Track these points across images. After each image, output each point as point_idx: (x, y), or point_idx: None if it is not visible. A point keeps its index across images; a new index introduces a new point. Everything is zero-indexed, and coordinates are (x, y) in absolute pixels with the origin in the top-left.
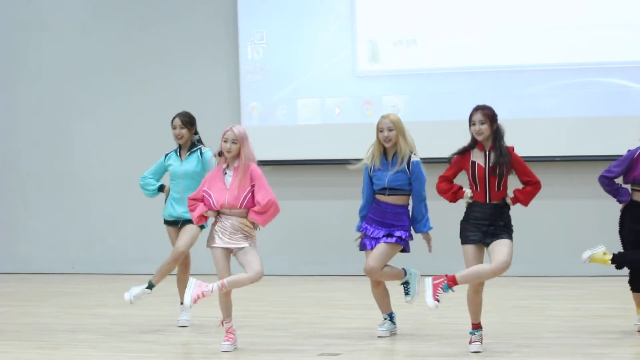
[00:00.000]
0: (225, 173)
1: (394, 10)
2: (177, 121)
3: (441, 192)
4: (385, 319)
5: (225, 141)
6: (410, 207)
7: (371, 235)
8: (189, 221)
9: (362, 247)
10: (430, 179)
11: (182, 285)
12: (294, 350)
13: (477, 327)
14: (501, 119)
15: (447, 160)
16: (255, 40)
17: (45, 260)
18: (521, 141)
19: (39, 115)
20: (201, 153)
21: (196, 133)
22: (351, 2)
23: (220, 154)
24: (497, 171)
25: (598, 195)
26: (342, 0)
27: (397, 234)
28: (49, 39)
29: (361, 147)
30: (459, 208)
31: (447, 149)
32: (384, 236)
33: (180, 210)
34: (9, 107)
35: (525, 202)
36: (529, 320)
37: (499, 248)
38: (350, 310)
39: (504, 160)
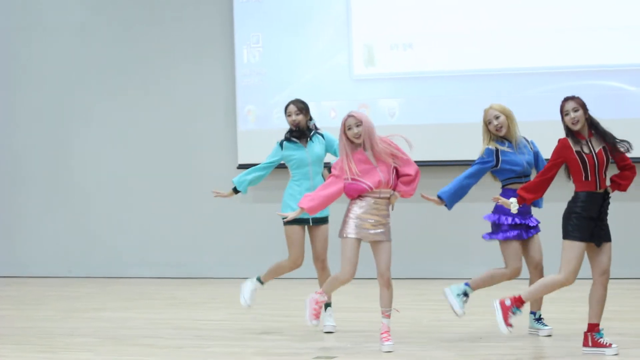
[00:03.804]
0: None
1: (389, 14)
2: (292, 107)
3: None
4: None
5: (349, 129)
6: None
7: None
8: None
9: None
10: (428, 182)
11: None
12: (290, 354)
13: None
14: None
15: (443, 164)
16: (251, 43)
17: (43, 263)
18: None
19: (36, 118)
20: (323, 136)
21: (311, 119)
22: (347, 6)
23: (329, 169)
24: (605, 155)
25: None
26: (338, 4)
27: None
28: (46, 40)
29: None
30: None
31: (444, 152)
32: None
33: None
34: (6, 109)
35: (625, 187)
36: (524, 322)
37: (602, 256)
38: (347, 314)
39: (610, 139)
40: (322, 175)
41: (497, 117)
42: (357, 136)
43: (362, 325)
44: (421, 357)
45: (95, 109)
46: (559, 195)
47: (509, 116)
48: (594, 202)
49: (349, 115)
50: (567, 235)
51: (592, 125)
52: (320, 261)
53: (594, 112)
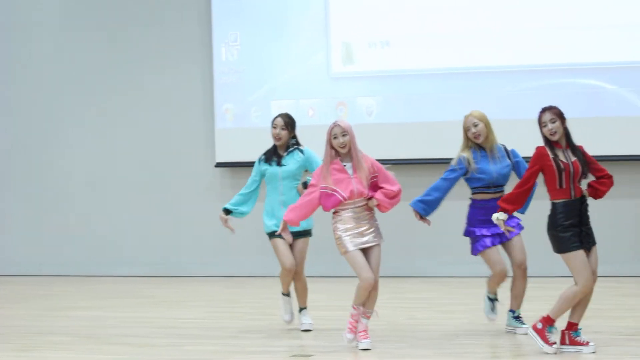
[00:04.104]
0: (345, 165)
1: (367, 13)
2: (280, 121)
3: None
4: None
5: (335, 138)
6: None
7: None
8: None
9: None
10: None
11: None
12: (268, 352)
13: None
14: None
15: (420, 162)
16: (229, 42)
17: (17, 262)
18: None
19: (13, 117)
20: (303, 152)
21: (294, 136)
22: (325, 4)
23: (305, 185)
24: (581, 166)
25: None
26: (316, 3)
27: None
28: (26, 41)
29: None
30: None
31: (421, 150)
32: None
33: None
34: None
35: (602, 194)
36: (504, 320)
37: (590, 258)
38: (323, 312)
39: (580, 155)
40: (298, 190)
41: (475, 125)
42: (342, 145)
43: (339, 323)
44: (398, 355)
45: (73, 108)
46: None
47: (487, 124)
48: (572, 209)
49: (335, 125)
50: (562, 249)
51: (569, 136)
52: (295, 273)
53: (571, 111)
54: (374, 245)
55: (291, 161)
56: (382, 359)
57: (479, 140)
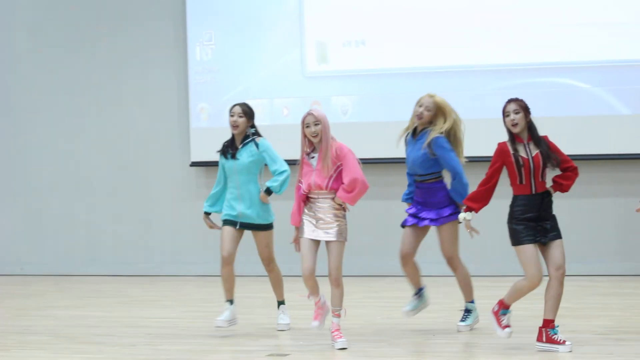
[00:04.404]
0: (313, 157)
1: (342, 12)
2: (237, 109)
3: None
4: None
5: (307, 127)
6: None
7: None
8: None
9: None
10: (379, 179)
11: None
12: (243, 352)
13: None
14: None
15: (395, 161)
16: (204, 41)
17: None
18: (471, 141)
19: None
20: (258, 145)
21: (253, 126)
22: (300, 3)
23: (267, 191)
24: (542, 160)
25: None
26: (290, 2)
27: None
28: None
29: None
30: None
31: (395, 149)
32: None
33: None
34: None
35: (567, 188)
36: (479, 321)
37: (553, 252)
38: (299, 311)
39: (545, 147)
40: (261, 199)
41: (420, 105)
42: (314, 134)
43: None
44: (375, 354)
45: (48, 107)
46: (498, 193)
47: (439, 111)
48: (531, 204)
49: (308, 113)
50: (514, 241)
51: (532, 129)
52: (265, 265)
53: (547, 110)
54: (333, 242)
55: (245, 154)
56: (359, 358)
57: (419, 120)
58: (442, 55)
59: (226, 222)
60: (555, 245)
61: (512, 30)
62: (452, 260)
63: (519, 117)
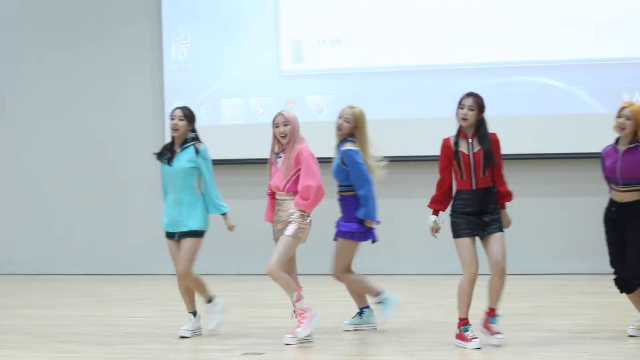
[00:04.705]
0: (280, 157)
1: (318, 10)
2: (178, 112)
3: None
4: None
5: (277, 127)
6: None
7: None
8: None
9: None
10: None
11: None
12: (219, 350)
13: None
14: (426, 118)
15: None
16: (179, 40)
17: None
18: None
19: None
20: (198, 151)
21: (193, 130)
22: (275, 2)
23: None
24: (482, 157)
25: (522, 194)
26: (266, 1)
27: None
28: None
29: None
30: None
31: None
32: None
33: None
34: None
35: (503, 207)
36: (452, 319)
37: (492, 246)
38: (274, 310)
39: (487, 145)
40: (229, 230)
41: (340, 117)
42: (282, 135)
43: (289, 321)
44: (351, 352)
45: (22, 106)
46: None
47: (356, 122)
48: (472, 199)
49: (279, 114)
50: (453, 234)
51: (480, 127)
52: (181, 275)
53: (521, 108)
54: (282, 236)
55: (183, 159)
56: (336, 356)
57: (338, 132)
58: (418, 54)
59: (167, 235)
60: (494, 239)
61: (487, 29)
62: (338, 277)
63: (471, 114)
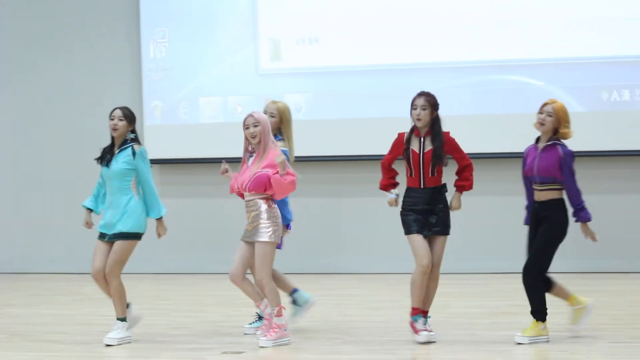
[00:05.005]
0: (251, 156)
1: (295, 9)
2: (118, 112)
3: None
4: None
5: (247, 128)
6: None
7: None
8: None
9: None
10: (331, 176)
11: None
12: (198, 349)
13: (420, 312)
14: (404, 117)
15: (348, 159)
16: (157, 38)
17: None
18: None
19: None
20: (135, 153)
21: (133, 131)
22: (253, 1)
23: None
24: (432, 157)
25: (502, 192)
26: None
27: None
28: None
29: None
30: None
31: (349, 147)
32: None
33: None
34: None
35: (470, 187)
36: (432, 319)
37: (433, 248)
38: (254, 309)
39: (438, 145)
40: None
41: (272, 115)
42: (253, 135)
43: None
44: (330, 351)
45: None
46: (453, 191)
47: (280, 117)
48: (419, 197)
49: (249, 115)
50: (404, 230)
51: (434, 126)
52: (107, 275)
53: (500, 107)
54: (254, 242)
55: (120, 161)
56: (314, 355)
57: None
58: (397, 53)
59: (99, 235)
60: (436, 242)
61: (466, 28)
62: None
63: (424, 113)
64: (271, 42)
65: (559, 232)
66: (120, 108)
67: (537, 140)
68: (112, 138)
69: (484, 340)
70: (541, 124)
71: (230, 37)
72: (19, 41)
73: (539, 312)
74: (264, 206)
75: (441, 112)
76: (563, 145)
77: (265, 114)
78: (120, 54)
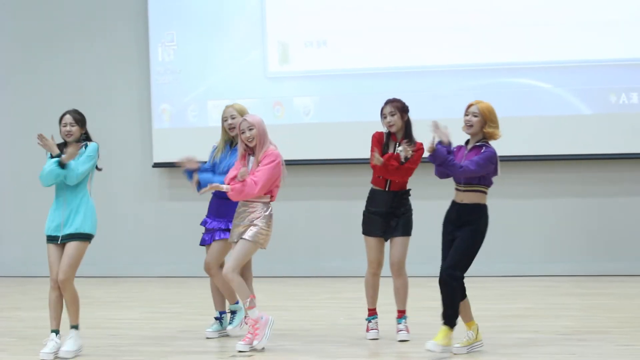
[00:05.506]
0: (251, 158)
1: (304, 12)
2: (68, 117)
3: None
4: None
5: (242, 132)
6: None
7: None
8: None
9: None
10: (341, 180)
11: None
12: (207, 352)
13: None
14: (413, 120)
15: (357, 162)
16: (165, 41)
17: None
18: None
19: None
20: (85, 147)
21: (85, 132)
22: (261, 3)
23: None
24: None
25: (508, 195)
26: (252, 2)
27: None
28: None
29: None
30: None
31: (358, 149)
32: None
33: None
34: None
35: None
36: (438, 321)
37: (393, 250)
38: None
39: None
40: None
41: (233, 117)
42: (249, 139)
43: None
44: (337, 354)
45: (6, 107)
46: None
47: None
48: (382, 200)
49: (243, 119)
50: (362, 230)
51: (407, 130)
52: (60, 281)
53: (507, 110)
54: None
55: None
56: (321, 358)
57: (233, 133)
58: (404, 55)
59: (49, 239)
60: (395, 243)
61: (473, 30)
62: (226, 275)
63: (394, 119)
64: (280, 45)
65: (480, 239)
66: (70, 113)
67: (467, 142)
68: (65, 143)
69: (496, 344)
70: (468, 125)
71: (239, 40)
72: (26, 42)
73: (455, 318)
74: (264, 211)
75: (448, 114)
76: (488, 146)
77: (225, 119)
78: (128, 57)
